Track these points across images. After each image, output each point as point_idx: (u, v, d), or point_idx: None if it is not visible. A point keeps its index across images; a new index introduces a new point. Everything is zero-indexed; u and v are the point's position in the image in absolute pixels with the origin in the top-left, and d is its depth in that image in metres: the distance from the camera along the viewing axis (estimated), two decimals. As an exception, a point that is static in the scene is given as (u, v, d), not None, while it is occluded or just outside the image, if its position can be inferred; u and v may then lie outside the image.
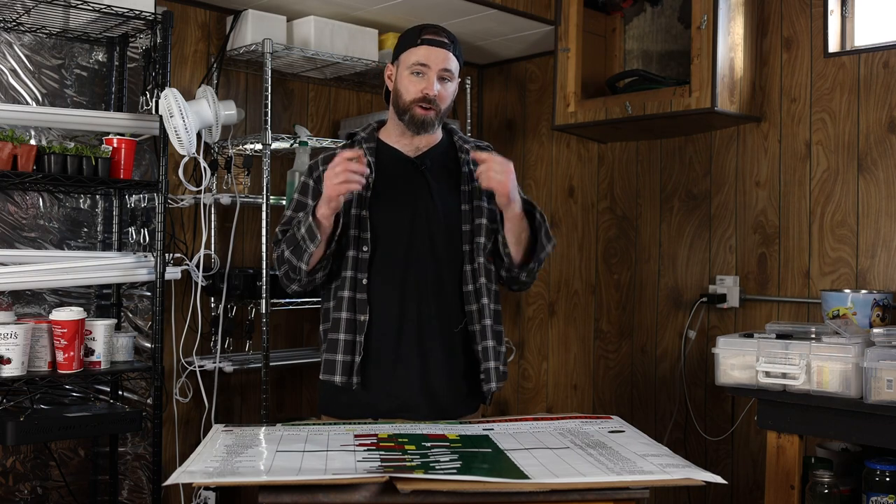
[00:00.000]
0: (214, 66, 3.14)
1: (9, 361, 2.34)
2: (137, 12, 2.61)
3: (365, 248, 2.08)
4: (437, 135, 2.22)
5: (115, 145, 2.65)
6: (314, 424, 1.92)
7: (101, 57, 2.95)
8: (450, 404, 2.10)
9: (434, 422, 1.97)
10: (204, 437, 2.10)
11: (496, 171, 1.98)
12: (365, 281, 2.08)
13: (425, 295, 2.08)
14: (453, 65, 2.14)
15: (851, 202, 2.91)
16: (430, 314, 2.07)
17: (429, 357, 2.08)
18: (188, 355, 3.08)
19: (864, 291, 2.69)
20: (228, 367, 2.99)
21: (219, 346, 3.10)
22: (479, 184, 2.08)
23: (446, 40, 2.14)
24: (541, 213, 2.13)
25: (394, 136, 2.19)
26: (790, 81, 3.06)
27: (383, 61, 3.31)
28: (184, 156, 2.83)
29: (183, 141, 2.61)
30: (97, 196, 2.93)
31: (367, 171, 2.01)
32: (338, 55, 3.15)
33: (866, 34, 2.98)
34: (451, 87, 2.15)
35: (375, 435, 1.77)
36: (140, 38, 2.90)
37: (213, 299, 3.14)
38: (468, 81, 3.62)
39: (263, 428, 1.86)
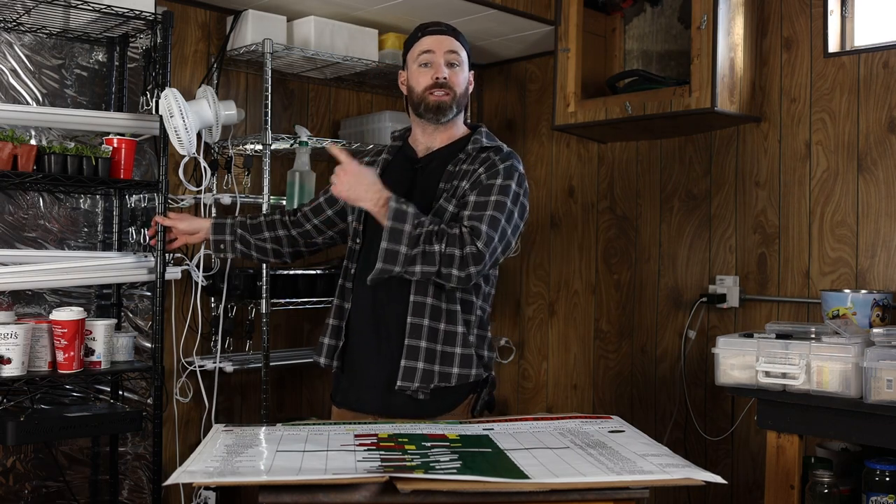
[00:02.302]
0: (214, 66, 3.14)
1: (9, 361, 2.34)
2: (137, 12, 2.61)
3: (358, 240, 2.19)
4: (457, 132, 2.23)
5: (115, 145, 2.65)
6: (314, 424, 1.92)
7: (101, 57, 2.95)
8: (411, 396, 2.09)
9: (433, 421, 1.97)
10: (204, 437, 2.11)
11: (340, 184, 2.04)
12: (353, 270, 2.18)
13: (395, 289, 2.11)
14: (459, 48, 2.18)
15: (851, 202, 2.91)
16: (397, 310, 2.10)
17: (394, 349, 2.10)
18: (188, 355, 3.08)
19: (863, 291, 2.69)
20: (228, 367, 2.99)
21: (219, 346, 3.10)
22: (459, 183, 2.10)
23: (446, 28, 2.20)
24: (415, 225, 1.98)
25: (414, 136, 2.26)
26: (790, 81, 3.07)
27: (383, 61, 3.31)
28: (184, 156, 2.83)
29: (183, 141, 2.61)
30: (97, 196, 2.93)
31: None
32: (338, 55, 3.15)
33: (866, 34, 2.98)
34: (462, 74, 2.18)
35: (375, 435, 1.77)
36: (140, 38, 2.90)
37: (213, 299, 3.14)
38: (468, 81, 3.62)
39: (263, 428, 1.86)
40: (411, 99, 2.20)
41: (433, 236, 1.97)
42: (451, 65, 2.16)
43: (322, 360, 2.21)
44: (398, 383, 2.06)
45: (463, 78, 2.18)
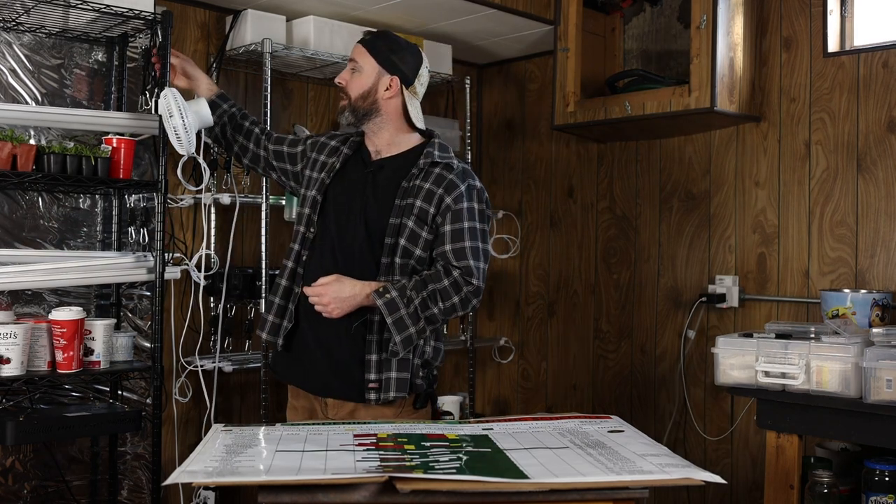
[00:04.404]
0: (214, 65, 3.14)
1: (8, 361, 2.34)
2: (137, 12, 2.61)
3: (312, 229, 2.26)
4: (403, 141, 2.29)
5: (114, 145, 2.65)
6: (313, 424, 1.92)
7: (100, 57, 2.95)
8: (349, 388, 2.17)
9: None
10: (203, 436, 2.11)
11: (332, 311, 2.11)
12: (305, 258, 2.26)
13: None
14: (360, 55, 2.25)
15: (851, 202, 2.91)
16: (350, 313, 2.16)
17: (343, 339, 2.18)
18: (188, 355, 3.08)
19: (863, 291, 2.69)
20: (228, 367, 2.99)
21: (218, 346, 3.10)
22: (414, 201, 2.16)
23: (367, 38, 2.27)
24: (409, 304, 2.09)
25: (367, 136, 2.34)
26: (790, 81, 3.07)
27: (383, 61, 3.30)
28: (183, 155, 2.83)
29: (182, 141, 2.61)
30: (96, 196, 2.93)
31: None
32: (337, 55, 3.15)
33: (866, 34, 2.98)
34: (359, 80, 2.25)
35: (375, 435, 1.77)
36: (140, 37, 2.90)
37: (212, 299, 3.14)
38: (467, 81, 3.61)
39: (263, 428, 1.86)
40: None
41: (427, 302, 2.10)
42: (352, 71, 2.26)
43: (265, 336, 2.29)
44: (372, 395, 2.14)
45: (358, 84, 2.25)
